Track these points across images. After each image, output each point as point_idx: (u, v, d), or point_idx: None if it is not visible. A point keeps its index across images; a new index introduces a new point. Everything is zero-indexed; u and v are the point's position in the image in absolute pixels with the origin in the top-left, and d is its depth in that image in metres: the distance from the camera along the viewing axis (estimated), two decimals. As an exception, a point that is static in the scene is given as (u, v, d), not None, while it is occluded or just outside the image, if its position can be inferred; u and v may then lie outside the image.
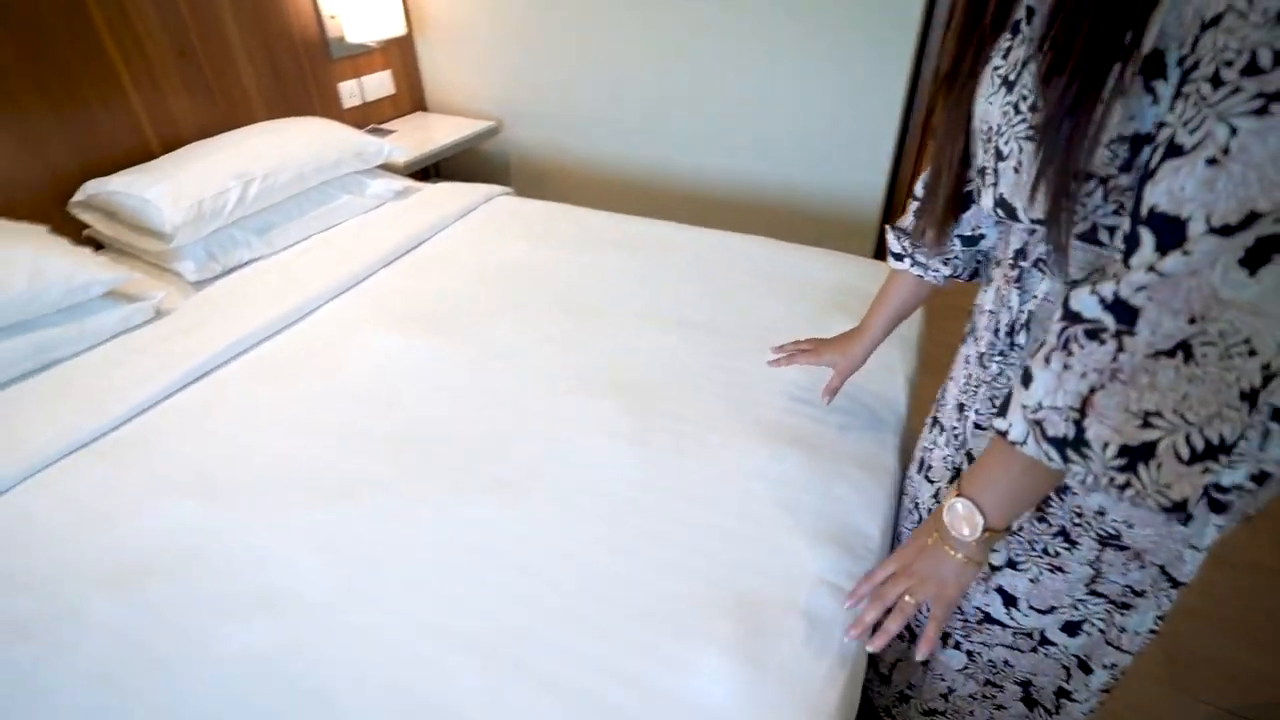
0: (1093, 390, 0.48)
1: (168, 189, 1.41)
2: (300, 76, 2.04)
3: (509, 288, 1.42)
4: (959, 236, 0.80)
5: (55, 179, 1.52)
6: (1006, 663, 0.83)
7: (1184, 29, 0.44)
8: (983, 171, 0.63)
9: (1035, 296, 0.64)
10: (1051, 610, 0.75)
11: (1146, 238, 0.45)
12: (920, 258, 0.86)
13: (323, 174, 1.66)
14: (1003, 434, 0.54)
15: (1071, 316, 0.49)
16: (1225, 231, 0.41)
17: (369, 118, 2.31)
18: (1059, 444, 0.50)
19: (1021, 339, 0.67)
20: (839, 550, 0.84)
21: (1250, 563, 1.44)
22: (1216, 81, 0.41)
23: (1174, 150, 0.43)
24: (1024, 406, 0.52)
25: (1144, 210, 0.45)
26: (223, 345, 1.22)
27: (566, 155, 2.42)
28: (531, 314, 1.32)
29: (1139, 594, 0.69)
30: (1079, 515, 0.67)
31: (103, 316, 1.27)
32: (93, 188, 1.48)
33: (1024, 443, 0.53)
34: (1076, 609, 0.73)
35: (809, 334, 1.07)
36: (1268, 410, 0.55)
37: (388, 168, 1.96)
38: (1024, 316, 0.66)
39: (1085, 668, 0.78)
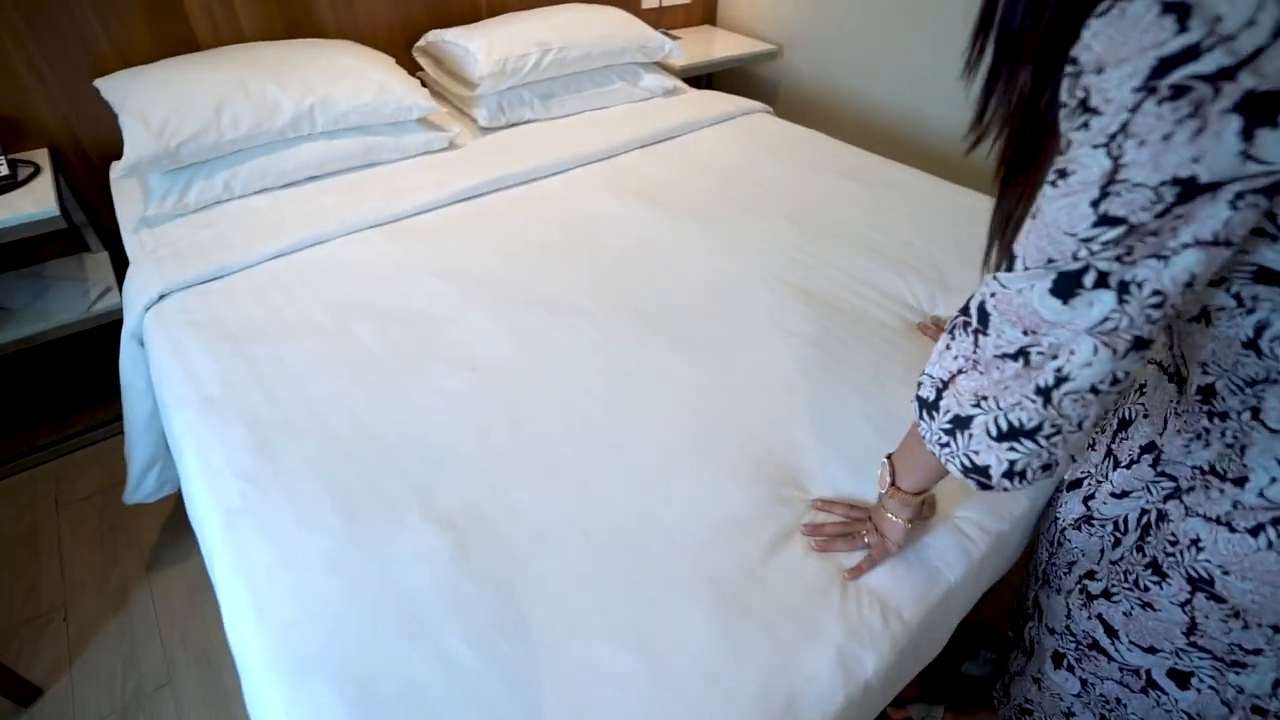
0: (960, 371, 0.57)
1: (484, 44, 1.65)
2: (611, -29, 2.20)
3: (738, 189, 1.47)
4: None
5: (409, 26, 1.85)
6: (1119, 700, 0.76)
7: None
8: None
9: None
10: (1154, 651, 0.68)
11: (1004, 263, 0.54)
12: None
13: (608, 58, 1.82)
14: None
15: (963, 311, 0.57)
16: (1029, 269, 0.50)
17: (662, 21, 2.43)
18: (922, 404, 0.60)
19: None
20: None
21: None
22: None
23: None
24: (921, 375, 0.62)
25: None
26: (491, 178, 1.44)
27: (834, 91, 2.35)
28: (754, 216, 1.36)
29: (1252, 651, 0.60)
30: (1172, 544, 0.62)
31: (414, 136, 1.55)
32: (433, 36, 1.78)
33: (913, 404, 0.62)
34: (1180, 658, 0.66)
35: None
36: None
37: (665, 67, 2.07)
38: None
39: None
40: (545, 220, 1.34)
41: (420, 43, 1.83)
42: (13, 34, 1.38)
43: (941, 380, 0.59)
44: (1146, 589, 0.65)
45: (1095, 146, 0.44)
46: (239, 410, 0.89)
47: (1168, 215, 0.42)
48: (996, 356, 0.54)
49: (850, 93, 2.31)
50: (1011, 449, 0.54)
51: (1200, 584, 0.60)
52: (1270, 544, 0.53)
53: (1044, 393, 0.51)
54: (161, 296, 1.12)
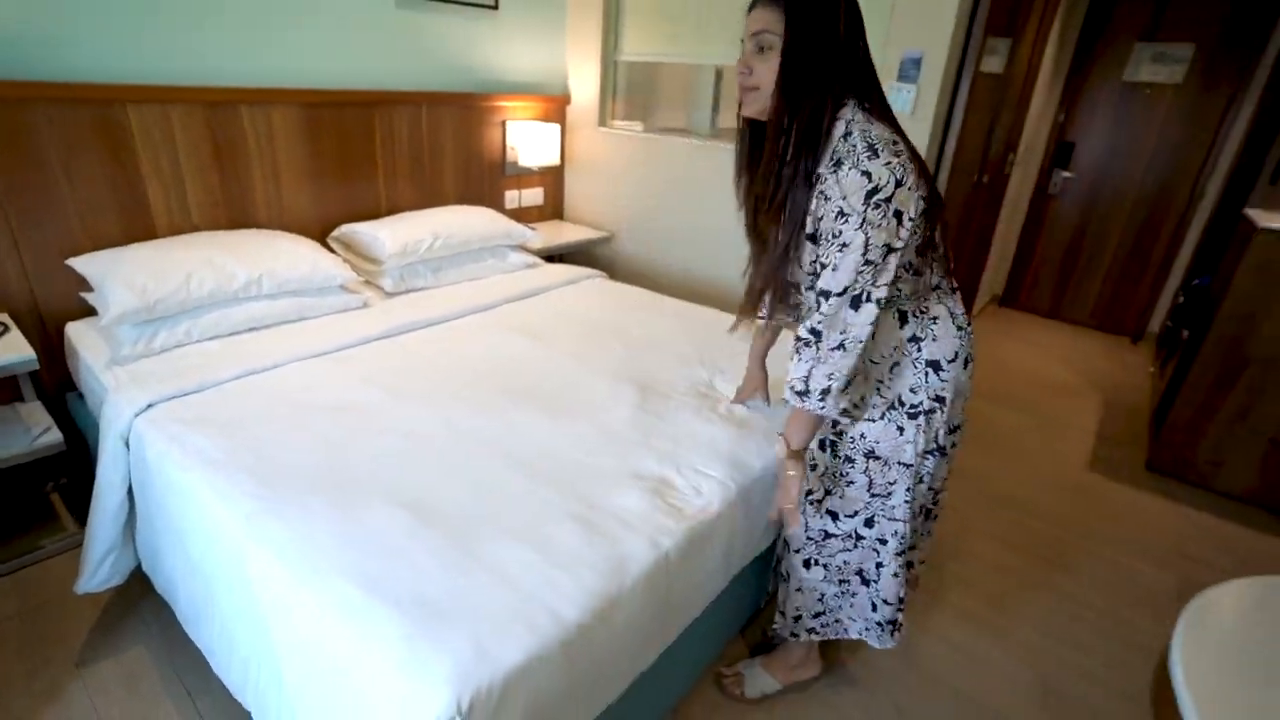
0: (811, 368, 1.10)
1: (389, 233, 2.25)
2: (481, 182, 2.96)
3: (583, 324, 2.10)
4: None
5: (325, 220, 2.42)
6: (845, 562, 1.34)
7: (811, 224, 1.09)
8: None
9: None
10: (855, 514, 1.29)
11: (820, 300, 1.07)
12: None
13: (482, 242, 2.48)
14: (786, 399, 1.15)
15: (799, 338, 1.10)
16: (840, 295, 1.04)
17: (522, 216, 3.20)
18: (799, 394, 1.12)
19: None
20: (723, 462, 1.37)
21: (1144, 644, 1.73)
22: (829, 240, 1.06)
23: (824, 266, 1.07)
24: (789, 381, 1.14)
25: (818, 289, 1.08)
26: (401, 323, 1.97)
27: (653, 263, 3.18)
28: (594, 340, 1.97)
29: (893, 483, 1.23)
30: (852, 442, 1.24)
31: (336, 298, 2.06)
32: (346, 228, 2.36)
33: (788, 400, 1.14)
34: (868, 507, 1.27)
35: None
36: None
37: (526, 248, 2.77)
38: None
39: (882, 541, 1.29)
40: (442, 348, 1.87)
41: (335, 233, 2.39)
42: (3, 218, 1.76)
43: (803, 378, 1.10)
44: (846, 475, 1.27)
45: (855, 230, 1.00)
46: (239, 465, 1.28)
47: (887, 258, 1.02)
48: (829, 350, 1.07)
49: (665, 263, 3.14)
50: (846, 392, 1.10)
51: (870, 455, 1.23)
52: (887, 419, 1.19)
53: (854, 359, 1.08)
54: (150, 405, 1.48)
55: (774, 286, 1.20)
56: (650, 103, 3.58)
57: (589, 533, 1.15)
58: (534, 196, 3.24)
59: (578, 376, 1.73)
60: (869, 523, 1.29)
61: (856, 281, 1.02)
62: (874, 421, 1.21)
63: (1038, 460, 2.65)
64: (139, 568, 1.57)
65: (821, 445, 1.30)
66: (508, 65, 2.93)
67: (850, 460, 1.26)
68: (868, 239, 1.00)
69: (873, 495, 1.26)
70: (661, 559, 1.13)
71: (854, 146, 1.02)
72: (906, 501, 1.24)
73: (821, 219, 1.06)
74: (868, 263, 1.01)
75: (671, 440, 1.46)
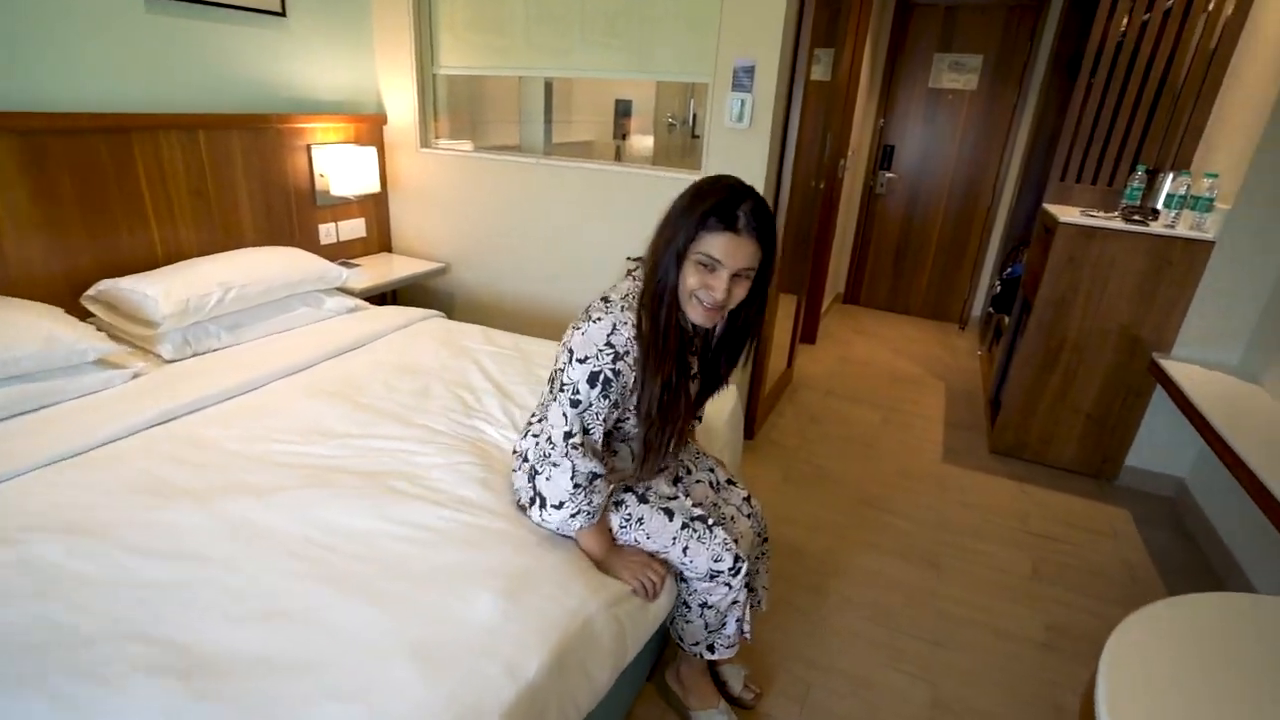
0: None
1: (164, 289, 1.84)
2: (288, 216, 2.57)
3: (415, 375, 1.82)
4: None
5: (74, 276, 1.94)
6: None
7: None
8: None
9: None
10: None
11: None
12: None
13: (290, 289, 2.12)
14: None
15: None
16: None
17: (342, 253, 2.83)
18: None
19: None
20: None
21: (1017, 634, 1.76)
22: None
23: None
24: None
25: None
26: (182, 403, 1.59)
27: (498, 292, 2.94)
28: (429, 397, 1.71)
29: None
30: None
31: (92, 376, 1.63)
32: (105, 285, 1.91)
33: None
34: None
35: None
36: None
37: (347, 290, 2.43)
38: None
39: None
40: (238, 428, 1.52)
41: (90, 291, 1.92)
42: None
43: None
44: (641, 519, 1.26)
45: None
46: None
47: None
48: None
49: (509, 291, 2.91)
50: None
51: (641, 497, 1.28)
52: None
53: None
54: None
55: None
56: (479, 119, 3.33)
57: (432, 671, 0.91)
58: (355, 228, 2.88)
59: (410, 447, 1.47)
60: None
61: None
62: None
63: (894, 456, 2.73)
64: None
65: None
66: (307, 81, 2.57)
67: (641, 501, 1.31)
68: None
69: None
70: (525, 693, 0.92)
71: None
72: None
73: None
74: None
75: (527, 526, 1.25)
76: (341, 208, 2.79)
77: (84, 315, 1.92)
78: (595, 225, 2.64)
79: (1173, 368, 2.29)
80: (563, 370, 1.12)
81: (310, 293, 2.21)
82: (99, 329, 1.88)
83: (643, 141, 4.05)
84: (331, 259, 2.73)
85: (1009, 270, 3.52)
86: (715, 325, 1.17)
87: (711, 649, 1.34)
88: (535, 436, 1.23)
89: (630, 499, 1.26)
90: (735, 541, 1.28)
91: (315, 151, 2.60)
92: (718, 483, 1.47)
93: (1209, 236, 2.28)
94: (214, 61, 2.24)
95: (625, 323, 1.10)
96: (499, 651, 0.96)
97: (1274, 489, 1.57)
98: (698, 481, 1.44)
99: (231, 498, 1.26)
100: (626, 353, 1.10)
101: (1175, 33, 2.60)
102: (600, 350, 1.09)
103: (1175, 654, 0.78)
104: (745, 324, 1.22)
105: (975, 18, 4.05)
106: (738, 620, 1.31)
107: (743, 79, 2.26)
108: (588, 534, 1.20)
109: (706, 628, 1.32)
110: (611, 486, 1.24)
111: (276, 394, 1.70)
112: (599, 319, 1.10)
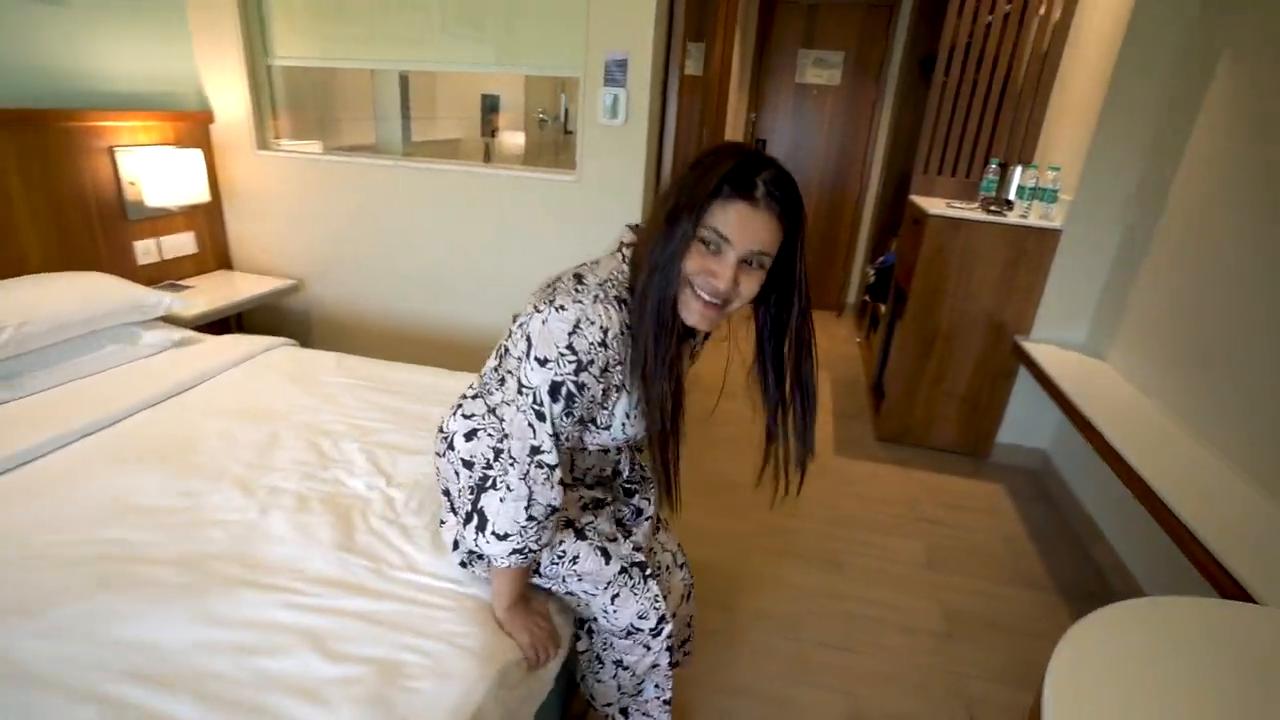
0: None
1: (-92, 336, 1.45)
2: (89, 234, 2.15)
3: (257, 421, 1.55)
4: None
5: None
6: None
7: None
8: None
9: None
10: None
11: None
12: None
13: (93, 324, 1.76)
14: None
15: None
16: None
17: (166, 274, 2.43)
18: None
19: None
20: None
21: (920, 628, 1.78)
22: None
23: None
24: None
25: None
26: (-63, 484, 1.24)
27: (360, 309, 2.66)
28: (274, 449, 1.45)
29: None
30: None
31: None
32: None
33: None
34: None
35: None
36: None
37: (172, 319, 2.07)
38: None
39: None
40: (14, 519, 1.20)
41: None
42: None
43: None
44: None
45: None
46: None
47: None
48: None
49: (373, 308, 2.64)
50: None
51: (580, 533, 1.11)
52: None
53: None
54: None
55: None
56: (329, 116, 3.00)
57: None
58: (181, 244, 2.49)
59: (251, 516, 1.22)
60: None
61: None
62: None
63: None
64: None
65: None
66: (100, 70, 2.16)
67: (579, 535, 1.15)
68: None
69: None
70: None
71: None
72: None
73: None
74: None
75: (395, 596, 1.06)
76: (163, 221, 2.40)
77: None
78: (465, 231, 2.43)
79: (1032, 348, 2.44)
80: (520, 363, 0.90)
81: (122, 326, 1.85)
82: None
83: (513, 139, 3.83)
84: (154, 280, 2.35)
85: (881, 259, 3.66)
86: (703, 331, 0.94)
87: (625, 713, 1.21)
88: (489, 436, 1.03)
89: (568, 534, 1.07)
90: (664, 597, 1.14)
91: (121, 155, 2.20)
92: (660, 524, 1.32)
93: (1056, 225, 2.44)
94: (-32, 47, 1.81)
95: (594, 322, 0.86)
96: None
97: (1121, 450, 1.71)
98: (646, 518, 1.23)
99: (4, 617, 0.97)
100: (591, 362, 0.87)
101: (1014, 35, 2.76)
102: (561, 354, 0.86)
103: (1118, 667, 0.75)
104: (795, 341, 0.97)
105: (835, 16, 4.16)
106: (657, 687, 1.18)
107: (615, 73, 2.13)
108: (510, 575, 1.00)
109: (620, 689, 1.18)
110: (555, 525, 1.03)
111: (75, 462, 1.38)
112: (563, 308, 0.86)
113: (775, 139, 4.48)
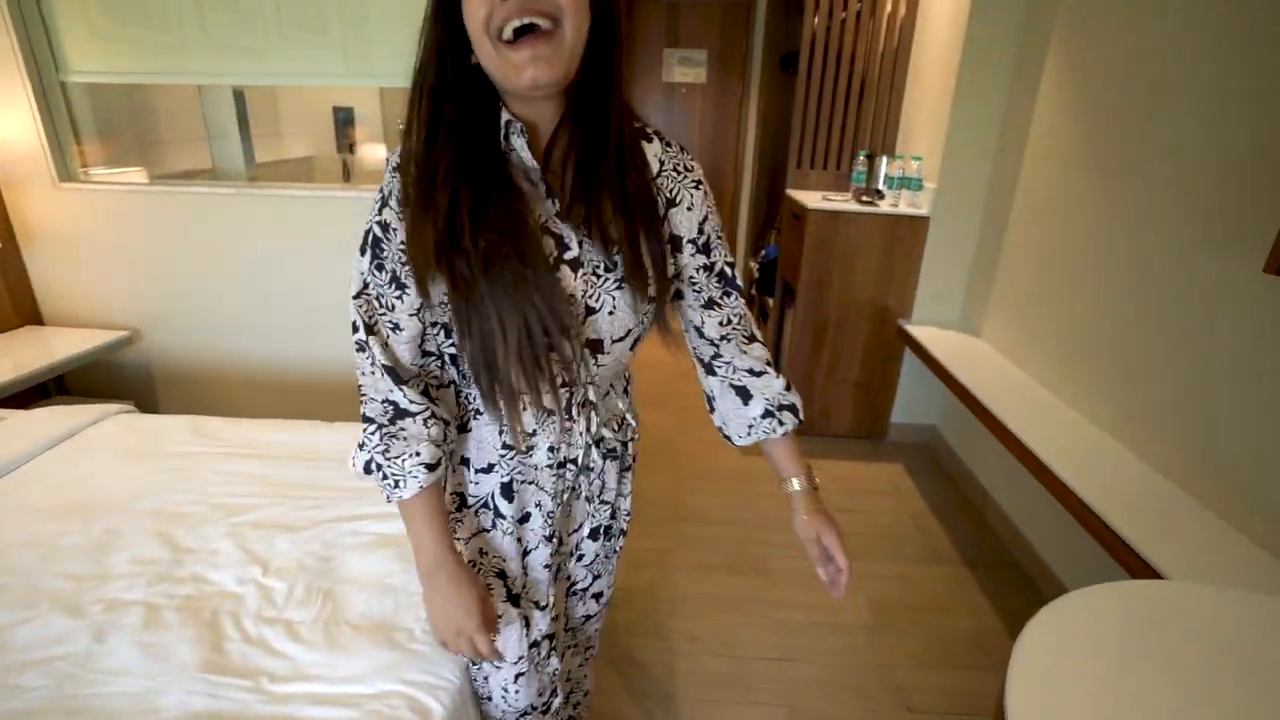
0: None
1: None
2: None
3: (87, 517, 1.28)
4: None
5: None
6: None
7: (688, 229, 0.79)
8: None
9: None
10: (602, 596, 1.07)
11: (740, 299, 0.87)
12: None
13: None
14: (796, 425, 0.89)
15: (751, 336, 0.88)
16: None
17: (-49, 338, 2.02)
18: (797, 412, 0.89)
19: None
20: None
21: (849, 625, 1.79)
22: (718, 235, 0.83)
23: (726, 266, 0.84)
24: (782, 396, 0.88)
25: (734, 297, 0.86)
26: None
27: (213, 359, 2.34)
28: (112, 550, 1.21)
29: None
30: (626, 515, 1.01)
31: None
32: None
33: (793, 421, 0.88)
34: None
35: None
36: None
37: (-37, 396, 1.70)
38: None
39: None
40: None
41: None
42: None
43: (786, 386, 0.89)
44: (613, 559, 1.03)
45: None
46: None
47: None
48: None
49: (231, 357, 2.33)
50: None
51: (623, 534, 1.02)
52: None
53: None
54: None
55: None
56: (151, 139, 2.63)
57: None
58: (-32, 300, 2.08)
59: (76, 651, 0.98)
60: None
61: None
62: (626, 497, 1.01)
63: (696, 458, 2.70)
64: None
65: (594, 533, 0.96)
66: None
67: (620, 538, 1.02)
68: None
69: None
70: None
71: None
72: None
73: (706, 217, 0.81)
74: None
75: (282, 714, 0.88)
76: (-62, 276, 1.98)
77: None
78: (329, 261, 2.19)
79: (914, 330, 2.55)
80: None
81: (-112, 415, 1.49)
82: None
83: (374, 153, 3.55)
84: (-67, 351, 1.93)
85: (764, 253, 3.73)
86: (548, 84, 0.64)
87: None
88: None
89: (500, 587, 0.85)
90: (563, 676, 1.00)
91: None
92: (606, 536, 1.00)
93: (924, 212, 2.56)
94: None
95: (397, 151, 0.70)
96: None
97: (1003, 419, 1.83)
98: (589, 538, 0.96)
99: None
100: (391, 194, 0.68)
101: (867, 31, 2.87)
102: (375, 202, 0.70)
103: (1081, 653, 0.74)
104: (604, 85, 0.69)
105: (696, 14, 4.20)
106: None
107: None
108: (418, 520, 0.75)
109: None
110: (443, 455, 0.76)
111: None
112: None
113: (649, 140, 4.47)
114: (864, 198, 2.66)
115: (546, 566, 0.87)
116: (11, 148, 2.12)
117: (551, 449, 0.81)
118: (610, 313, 0.73)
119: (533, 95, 0.65)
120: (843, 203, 2.64)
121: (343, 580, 1.12)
